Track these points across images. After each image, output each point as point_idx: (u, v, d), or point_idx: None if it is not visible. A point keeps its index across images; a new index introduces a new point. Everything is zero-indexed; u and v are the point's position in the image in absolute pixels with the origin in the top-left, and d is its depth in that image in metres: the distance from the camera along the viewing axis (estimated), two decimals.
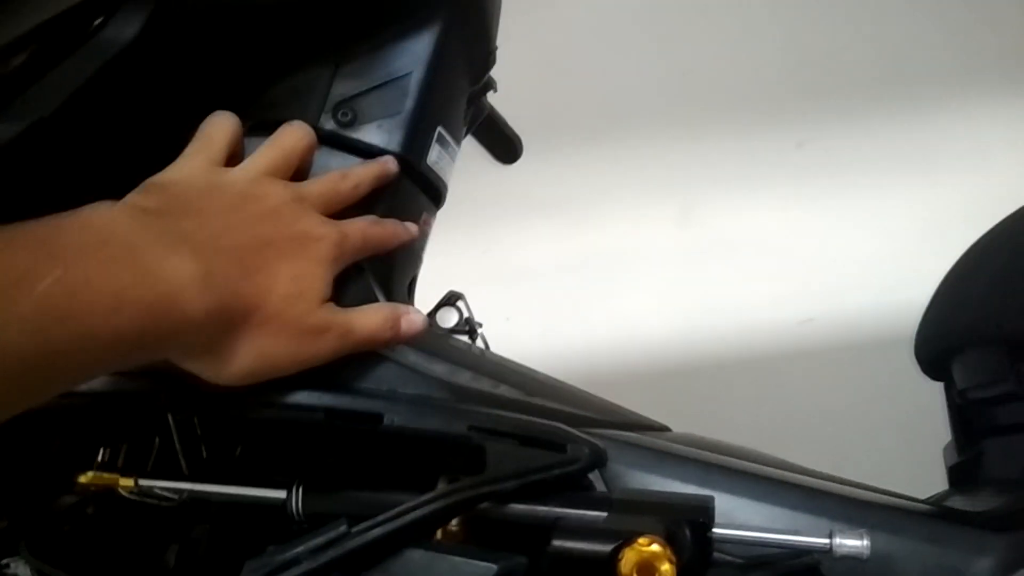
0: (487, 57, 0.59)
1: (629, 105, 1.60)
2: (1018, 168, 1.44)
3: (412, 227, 0.50)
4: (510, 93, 0.70)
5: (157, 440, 0.52)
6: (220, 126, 0.44)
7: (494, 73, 0.73)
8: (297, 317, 0.39)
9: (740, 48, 1.59)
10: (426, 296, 0.60)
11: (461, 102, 0.56)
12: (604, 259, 1.52)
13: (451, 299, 0.62)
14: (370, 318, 0.42)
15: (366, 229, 0.45)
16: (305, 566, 0.35)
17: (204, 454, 0.50)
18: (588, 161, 1.57)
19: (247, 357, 0.38)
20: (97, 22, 0.39)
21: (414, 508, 0.37)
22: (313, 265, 0.41)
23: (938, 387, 0.61)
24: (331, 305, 0.41)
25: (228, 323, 0.37)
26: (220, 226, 0.38)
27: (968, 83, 1.51)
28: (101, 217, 0.34)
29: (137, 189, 0.38)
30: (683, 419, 0.57)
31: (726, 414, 1.38)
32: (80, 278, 0.31)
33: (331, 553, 0.35)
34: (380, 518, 0.37)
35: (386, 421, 0.41)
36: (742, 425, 1.35)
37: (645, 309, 1.49)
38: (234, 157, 0.44)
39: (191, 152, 0.42)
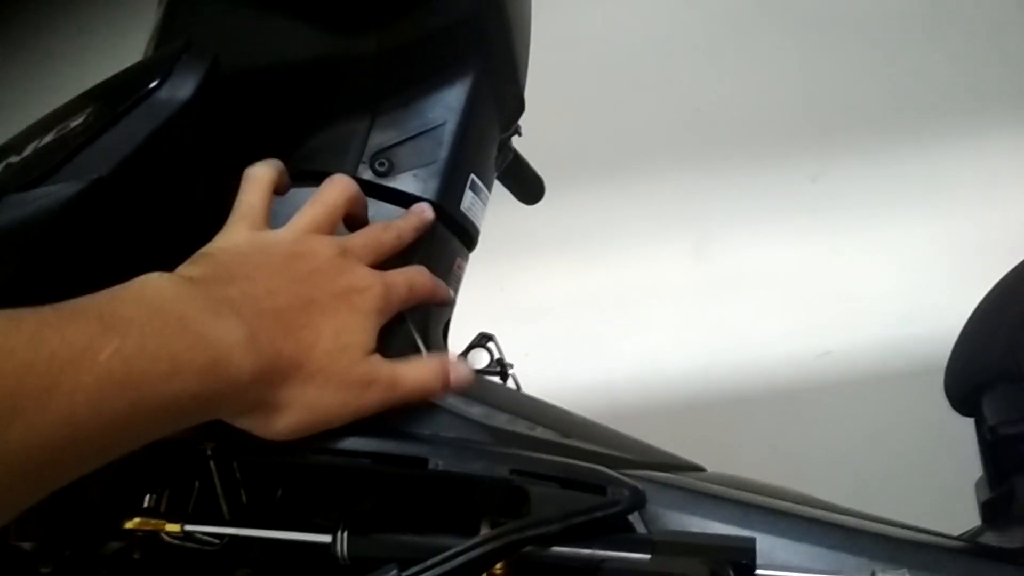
0: (517, 104, 0.60)
1: (644, 142, 1.62)
2: None
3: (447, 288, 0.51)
4: (525, 132, 0.72)
5: (197, 484, 0.53)
6: (256, 189, 0.45)
7: None
8: (342, 370, 0.40)
9: (752, 84, 1.61)
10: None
11: (492, 149, 0.58)
12: (621, 295, 1.53)
13: (482, 340, 0.63)
14: (419, 371, 0.43)
15: (413, 278, 0.46)
16: None
17: (244, 498, 0.51)
18: (604, 198, 1.59)
19: (294, 412, 0.39)
20: (153, 84, 0.41)
21: (463, 552, 0.38)
22: (357, 317, 0.42)
23: (958, 417, 0.61)
24: (377, 356, 0.42)
25: (274, 381, 0.38)
26: (263, 289, 0.39)
27: (978, 115, 1.52)
28: (152, 289, 0.35)
29: (188, 260, 0.40)
30: (703, 454, 0.57)
31: (746, 448, 1.38)
32: (137, 348, 0.32)
33: None
34: (430, 562, 0.37)
35: (431, 465, 0.42)
36: (762, 459, 1.35)
37: (663, 344, 1.50)
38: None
39: (234, 220, 0.43)
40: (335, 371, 0.40)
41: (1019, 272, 0.55)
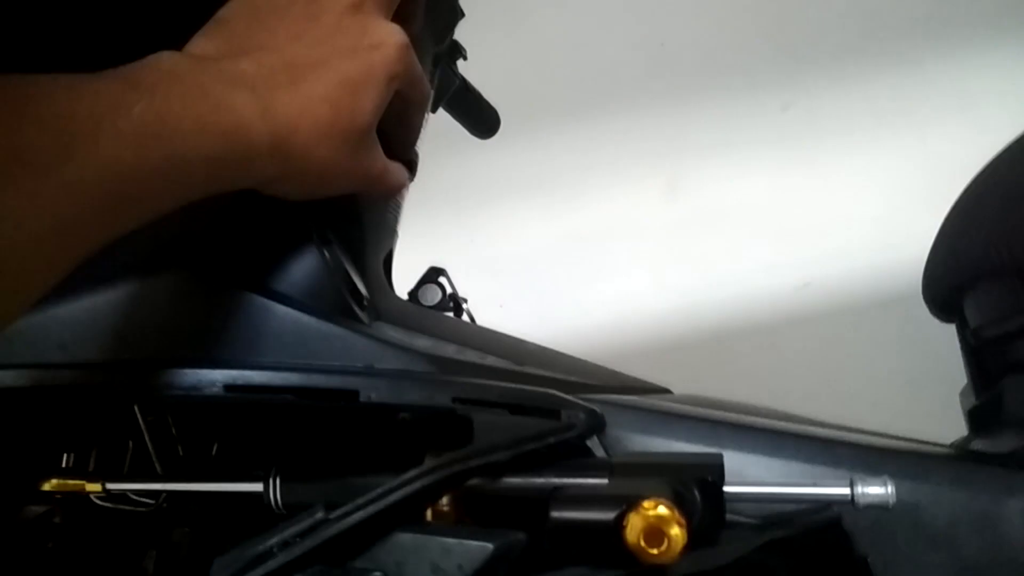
0: (451, 11, 0.56)
1: (609, 79, 1.57)
2: (1004, 116, 1.41)
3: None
4: (488, 73, 0.68)
5: (131, 444, 0.49)
6: None
7: (468, 47, 0.70)
8: (344, 128, 0.39)
9: (718, 14, 1.56)
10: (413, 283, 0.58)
11: (426, 62, 0.53)
12: (595, 238, 1.50)
13: (432, 275, 0.60)
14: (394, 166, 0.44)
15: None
16: (280, 559, 0.32)
17: (180, 453, 0.48)
18: (570, 139, 1.54)
19: (311, 176, 0.39)
20: None
21: (397, 488, 0.34)
22: (374, 72, 0.40)
23: (941, 339, 0.59)
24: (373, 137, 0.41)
25: (289, 153, 0.37)
26: (278, 63, 0.38)
27: (949, 34, 1.49)
28: (167, 62, 0.34)
29: (201, 30, 0.39)
30: (685, 390, 0.54)
31: (728, 384, 1.36)
32: (164, 106, 0.32)
33: (308, 543, 0.32)
34: (360, 501, 0.34)
35: (362, 397, 0.38)
36: (745, 394, 1.33)
37: (640, 285, 1.47)
38: None
39: None
40: (339, 128, 0.39)
41: (995, 164, 0.52)
